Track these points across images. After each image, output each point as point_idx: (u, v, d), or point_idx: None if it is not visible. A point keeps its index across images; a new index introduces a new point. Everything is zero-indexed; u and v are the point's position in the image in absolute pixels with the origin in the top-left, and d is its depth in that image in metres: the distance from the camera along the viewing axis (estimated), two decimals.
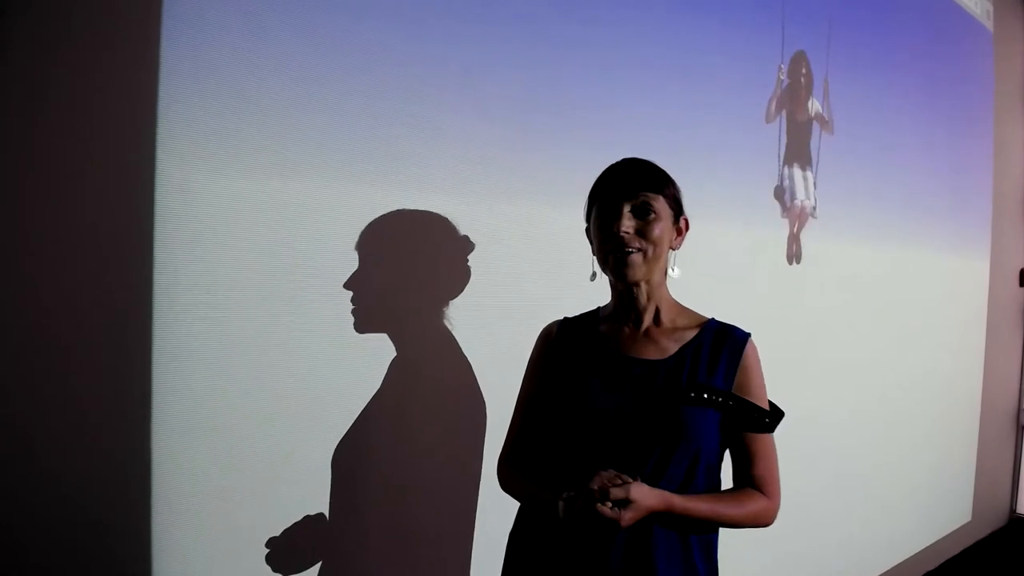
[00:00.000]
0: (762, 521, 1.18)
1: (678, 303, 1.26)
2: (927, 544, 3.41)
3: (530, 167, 1.69)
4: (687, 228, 1.24)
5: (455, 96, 1.58)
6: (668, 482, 1.14)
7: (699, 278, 2.13)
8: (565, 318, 1.31)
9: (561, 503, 1.10)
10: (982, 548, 3.83)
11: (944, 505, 3.58)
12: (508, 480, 1.29)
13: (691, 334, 1.21)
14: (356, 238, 1.43)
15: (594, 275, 1.24)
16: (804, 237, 2.58)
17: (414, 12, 1.51)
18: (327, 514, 1.44)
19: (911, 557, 3.28)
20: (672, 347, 1.20)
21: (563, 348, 1.26)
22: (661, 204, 1.18)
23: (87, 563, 1.27)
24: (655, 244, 1.16)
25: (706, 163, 2.18)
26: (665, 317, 1.22)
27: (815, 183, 2.63)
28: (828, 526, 2.77)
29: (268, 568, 1.37)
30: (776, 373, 2.38)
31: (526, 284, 1.69)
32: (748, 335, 1.22)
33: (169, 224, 1.22)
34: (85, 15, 1.24)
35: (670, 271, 1.22)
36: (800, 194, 2.56)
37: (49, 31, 1.21)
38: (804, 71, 2.58)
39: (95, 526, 1.26)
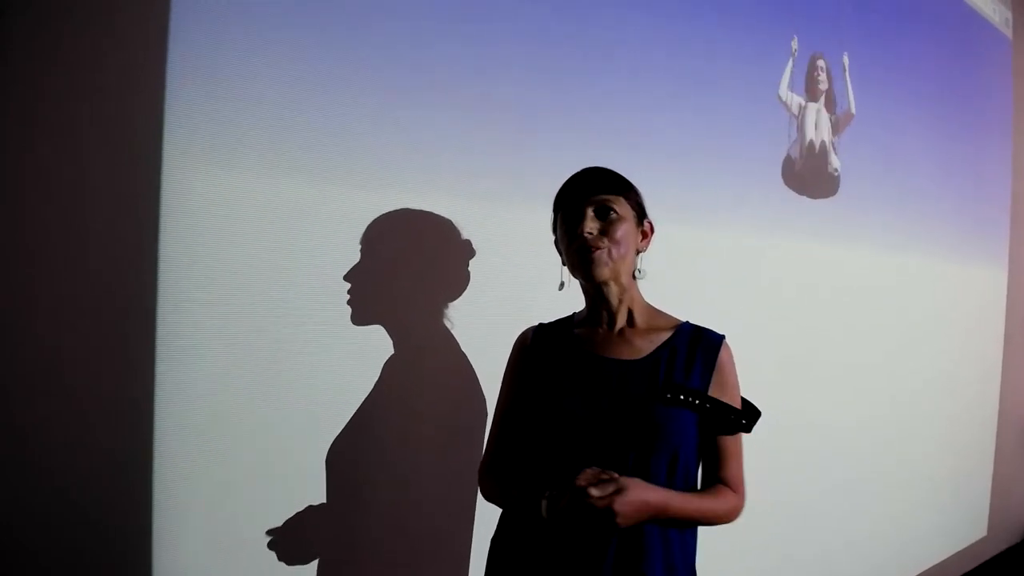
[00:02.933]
0: (733, 518, 1.22)
1: (651, 306, 1.28)
2: (940, 559, 3.35)
3: (534, 171, 1.68)
4: (652, 231, 1.27)
5: (459, 99, 1.57)
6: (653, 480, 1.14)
7: (706, 282, 2.12)
8: (540, 324, 1.33)
9: (544, 501, 1.10)
10: (997, 564, 3.76)
11: (958, 519, 3.53)
12: (489, 489, 1.29)
13: (665, 335, 1.23)
14: (360, 237, 1.43)
15: (562, 284, 1.26)
16: (823, 242, 2.55)
17: (418, 14, 1.51)
18: (327, 513, 1.43)
19: (923, 573, 3.22)
20: (646, 347, 1.21)
21: (538, 353, 1.27)
22: (623, 206, 1.21)
23: (88, 563, 1.27)
24: (619, 244, 1.18)
25: (712, 166, 2.16)
26: (639, 318, 1.24)
27: (836, 145, 2.57)
28: (838, 540, 2.74)
29: (270, 567, 1.36)
30: (787, 381, 2.39)
31: (528, 288, 1.68)
32: (723, 337, 1.24)
33: (173, 222, 1.22)
34: (87, 15, 1.25)
35: (637, 272, 1.24)
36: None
37: (50, 31, 1.21)
38: (822, 76, 2.55)
39: (96, 526, 1.26)
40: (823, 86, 2.54)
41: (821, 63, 2.53)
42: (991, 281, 3.65)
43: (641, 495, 1.07)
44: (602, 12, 1.87)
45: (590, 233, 1.17)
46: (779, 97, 2.40)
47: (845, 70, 2.64)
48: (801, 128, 2.46)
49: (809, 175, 2.49)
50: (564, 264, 1.26)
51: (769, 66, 2.38)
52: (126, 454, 1.24)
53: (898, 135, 2.94)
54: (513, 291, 1.67)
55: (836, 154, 2.59)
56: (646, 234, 1.25)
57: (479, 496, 1.56)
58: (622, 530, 1.10)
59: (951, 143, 3.27)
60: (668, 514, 1.11)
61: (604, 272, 1.19)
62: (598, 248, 1.17)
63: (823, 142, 2.53)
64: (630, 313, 1.24)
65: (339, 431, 1.43)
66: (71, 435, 1.28)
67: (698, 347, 1.21)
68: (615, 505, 1.04)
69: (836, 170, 2.59)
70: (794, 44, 2.44)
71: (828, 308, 2.62)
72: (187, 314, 1.24)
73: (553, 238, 1.29)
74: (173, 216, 1.22)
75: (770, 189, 2.38)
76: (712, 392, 1.19)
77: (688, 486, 1.20)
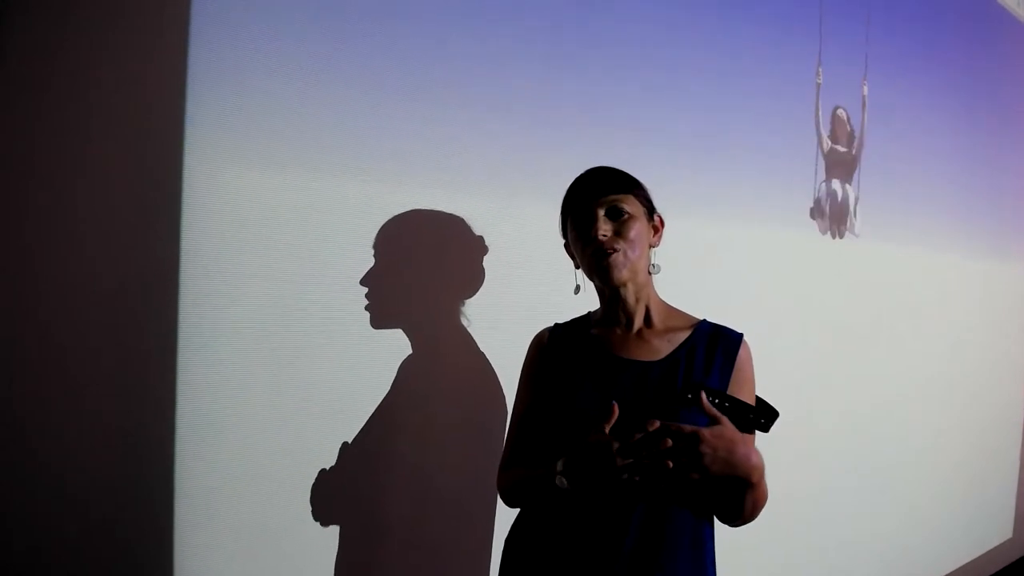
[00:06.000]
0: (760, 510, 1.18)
1: (668, 304, 1.27)
2: (965, 561, 3.31)
3: (551, 168, 1.66)
4: (663, 225, 1.26)
5: (477, 96, 1.56)
6: (677, 479, 1.12)
7: (728, 279, 2.09)
8: (556, 324, 1.31)
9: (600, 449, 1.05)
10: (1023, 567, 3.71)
11: (984, 520, 3.48)
12: (508, 484, 1.26)
13: (684, 335, 1.22)
14: (375, 236, 1.42)
15: (578, 288, 1.26)
16: (846, 238, 2.52)
17: (436, 11, 1.50)
18: (345, 510, 1.43)
19: (949, 575, 3.18)
20: (665, 348, 1.21)
21: (555, 353, 1.26)
22: (633, 204, 1.20)
23: (111, 556, 1.27)
24: (634, 243, 1.18)
25: (730, 162, 2.14)
26: (656, 318, 1.23)
27: (857, 199, 2.57)
28: (861, 541, 2.70)
29: (292, 566, 1.36)
30: (808, 380, 2.36)
31: (545, 286, 1.66)
32: (742, 335, 1.22)
33: (194, 220, 1.21)
34: (107, 14, 1.25)
35: (652, 268, 1.23)
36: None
37: (67, 30, 1.22)
38: (848, 130, 2.55)
39: (118, 523, 1.27)
40: (844, 143, 2.55)
41: (841, 113, 2.52)
42: (1016, 278, 3.59)
43: (734, 435, 1.04)
44: (623, 8, 1.85)
45: (604, 235, 1.16)
46: (817, 133, 2.42)
47: (864, 103, 2.61)
48: (823, 209, 2.48)
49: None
50: (577, 267, 1.25)
51: (792, 60, 2.34)
52: (148, 450, 1.25)
53: (920, 129, 2.90)
54: (530, 289, 1.65)
55: (856, 219, 2.60)
56: (657, 229, 1.25)
57: (499, 498, 1.56)
58: (642, 522, 1.08)
59: (975, 137, 3.22)
60: (752, 474, 1.06)
61: (623, 275, 1.18)
62: (614, 250, 1.16)
63: (846, 215, 2.56)
64: (647, 312, 1.23)
65: (357, 430, 1.43)
66: (92, 431, 1.29)
67: (717, 346, 1.20)
68: (705, 440, 1.01)
69: (856, 235, 2.61)
70: (819, 77, 2.41)
71: (851, 306, 2.59)
72: (211, 311, 1.24)
73: (563, 241, 1.28)
74: (194, 214, 1.21)
75: (790, 184, 2.35)
76: (730, 390, 1.18)
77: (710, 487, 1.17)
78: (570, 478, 1.09)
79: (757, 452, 1.08)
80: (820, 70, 2.42)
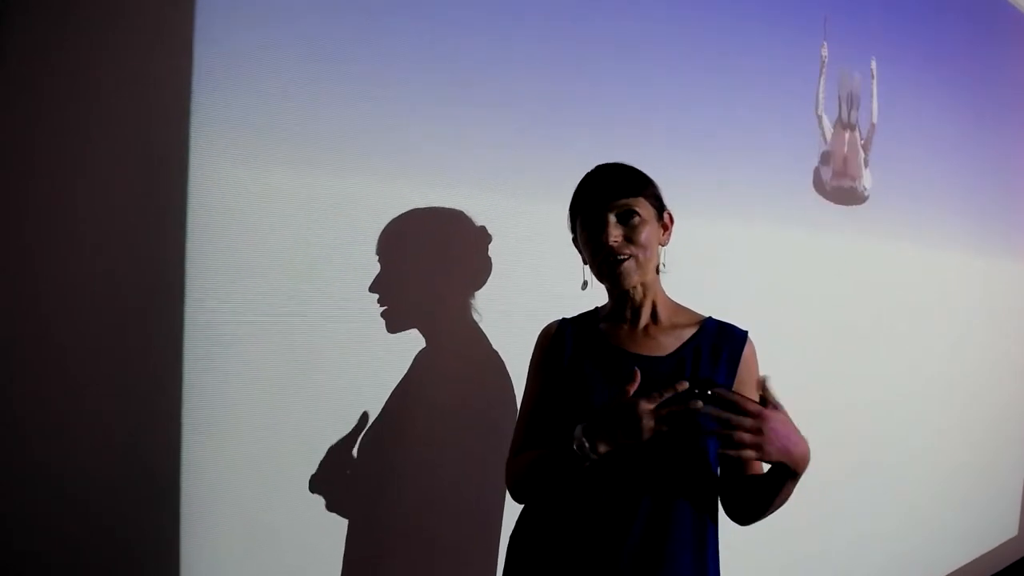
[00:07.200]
0: None
1: (673, 301, 1.27)
2: (970, 559, 3.30)
3: (562, 166, 1.66)
4: (672, 222, 1.25)
5: (479, 93, 1.56)
6: (682, 477, 1.14)
7: (730, 277, 2.09)
8: (564, 318, 1.32)
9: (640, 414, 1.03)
10: None
11: (989, 518, 3.47)
12: (516, 469, 1.24)
13: (690, 332, 1.23)
14: (378, 237, 1.42)
15: (585, 284, 1.26)
16: (851, 236, 2.51)
17: (439, 9, 1.50)
18: (352, 510, 1.43)
19: (954, 572, 3.18)
20: (672, 344, 1.21)
21: (564, 347, 1.26)
22: (643, 206, 1.19)
23: (109, 561, 1.27)
24: (644, 247, 1.18)
25: (738, 161, 2.13)
26: (663, 315, 1.24)
27: (866, 160, 2.55)
28: (866, 538, 2.70)
29: (296, 565, 1.37)
30: (813, 377, 2.35)
31: (550, 282, 1.66)
32: (746, 332, 1.24)
33: (199, 220, 1.22)
34: (112, 14, 1.25)
35: (661, 267, 1.24)
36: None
37: (77, 31, 1.22)
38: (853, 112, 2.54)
39: (118, 523, 1.27)
40: (854, 107, 2.53)
41: (849, 77, 2.51)
42: (1019, 279, 3.58)
43: (792, 423, 1.04)
44: (627, 7, 1.84)
45: (615, 241, 1.16)
46: (817, 115, 2.39)
47: (873, 76, 2.59)
48: (831, 151, 2.45)
49: (839, 193, 2.49)
50: (586, 263, 1.25)
51: (796, 57, 2.34)
52: (148, 450, 1.25)
53: (926, 128, 2.89)
54: (538, 284, 1.65)
55: (867, 170, 2.57)
56: (667, 226, 1.24)
57: (507, 497, 1.55)
58: (646, 518, 1.10)
59: (981, 135, 3.21)
60: (800, 464, 1.06)
61: (633, 280, 1.18)
62: (625, 256, 1.17)
63: (855, 163, 2.53)
64: (654, 308, 1.23)
65: (367, 428, 1.43)
66: (92, 431, 1.29)
67: (723, 343, 1.21)
68: (769, 420, 1.00)
69: (866, 189, 2.58)
70: (824, 51, 2.40)
71: (856, 304, 2.58)
72: (218, 309, 1.24)
73: (571, 236, 1.28)
74: (196, 213, 1.21)
75: (796, 182, 2.35)
76: (735, 387, 1.19)
77: (713, 479, 1.19)
78: (591, 439, 1.07)
79: (807, 443, 1.07)
80: (825, 44, 2.41)
